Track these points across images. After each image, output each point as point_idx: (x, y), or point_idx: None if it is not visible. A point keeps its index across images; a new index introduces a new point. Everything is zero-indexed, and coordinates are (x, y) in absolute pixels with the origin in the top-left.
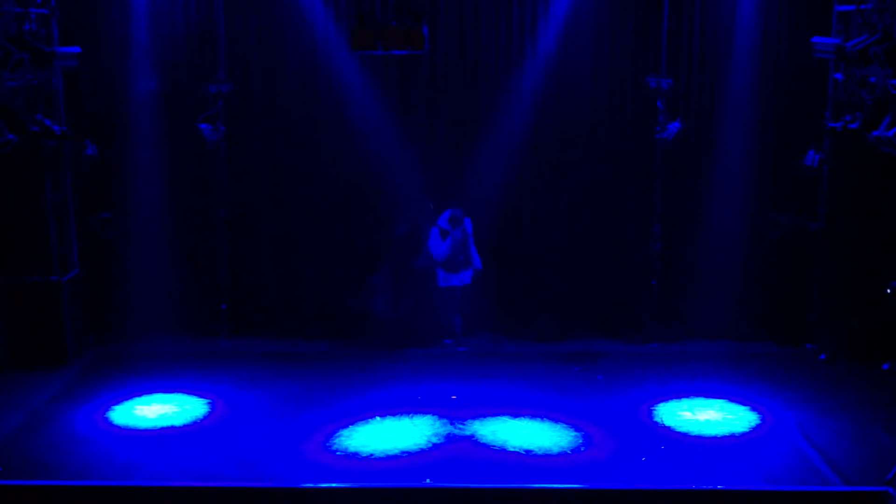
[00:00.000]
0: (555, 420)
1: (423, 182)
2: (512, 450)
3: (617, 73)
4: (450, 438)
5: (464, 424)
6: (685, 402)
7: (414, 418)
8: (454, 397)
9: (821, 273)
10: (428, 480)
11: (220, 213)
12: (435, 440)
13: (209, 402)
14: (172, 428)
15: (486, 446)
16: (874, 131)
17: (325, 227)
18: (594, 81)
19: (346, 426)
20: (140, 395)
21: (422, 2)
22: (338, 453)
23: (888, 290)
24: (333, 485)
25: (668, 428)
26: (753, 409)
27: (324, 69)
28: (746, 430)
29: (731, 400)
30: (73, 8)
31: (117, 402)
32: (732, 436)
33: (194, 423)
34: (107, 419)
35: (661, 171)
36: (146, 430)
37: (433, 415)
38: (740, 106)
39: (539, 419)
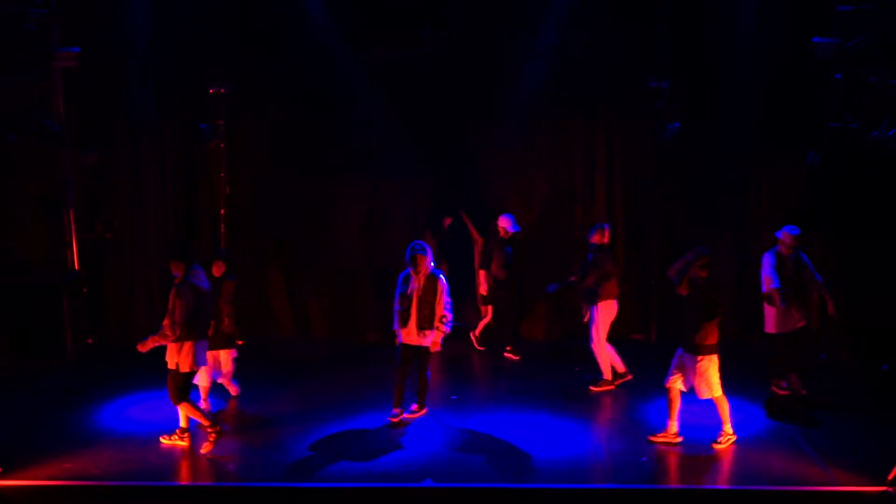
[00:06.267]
0: (554, 418)
1: (423, 182)
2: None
3: (618, 73)
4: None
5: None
6: (685, 401)
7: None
8: (454, 398)
9: (820, 273)
10: (428, 480)
11: (220, 212)
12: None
13: (209, 402)
14: (172, 427)
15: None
16: (874, 131)
17: (325, 227)
18: (595, 81)
19: (346, 424)
20: (140, 395)
21: (423, 1)
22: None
23: None
24: (333, 485)
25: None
26: (753, 408)
27: (324, 69)
28: (746, 429)
29: (731, 399)
30: (73, 8)
31: (117, 402)
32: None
33: (194, 422)
34: (107, 419)
35: (660, 171)
36: (146, 430)
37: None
38: (740, 106)
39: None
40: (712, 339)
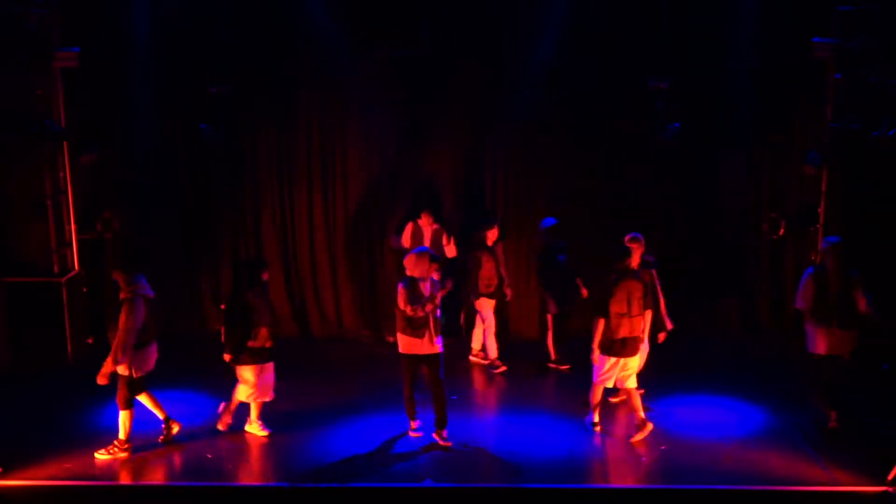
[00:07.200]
0: (554, 418)
1: (423, 182)
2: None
3: (617, 73)
4: None
5: None
6: (685, 402)
7: None
8: (455, 398)
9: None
10: (428, 480)
11: (221, 212)
12: None
13: (211, 402)
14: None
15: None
16: (874, 131)
17: (326, 227)
18: (595, 81)
19: (345, 424)
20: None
21: (423, 1)
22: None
23: None
24: (334, 485)
25: (668, 427)
26: (753, 408)
27: (324, 69)
28: (746, 429)
29: (731, 399)
30: (73, 8)
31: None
32: (732, 435)
33: (195, 422)
34: (107, 419)
35: (660, 171)
36: (146, 430)
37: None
38: (740, 106)
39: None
40: (601, 335)
